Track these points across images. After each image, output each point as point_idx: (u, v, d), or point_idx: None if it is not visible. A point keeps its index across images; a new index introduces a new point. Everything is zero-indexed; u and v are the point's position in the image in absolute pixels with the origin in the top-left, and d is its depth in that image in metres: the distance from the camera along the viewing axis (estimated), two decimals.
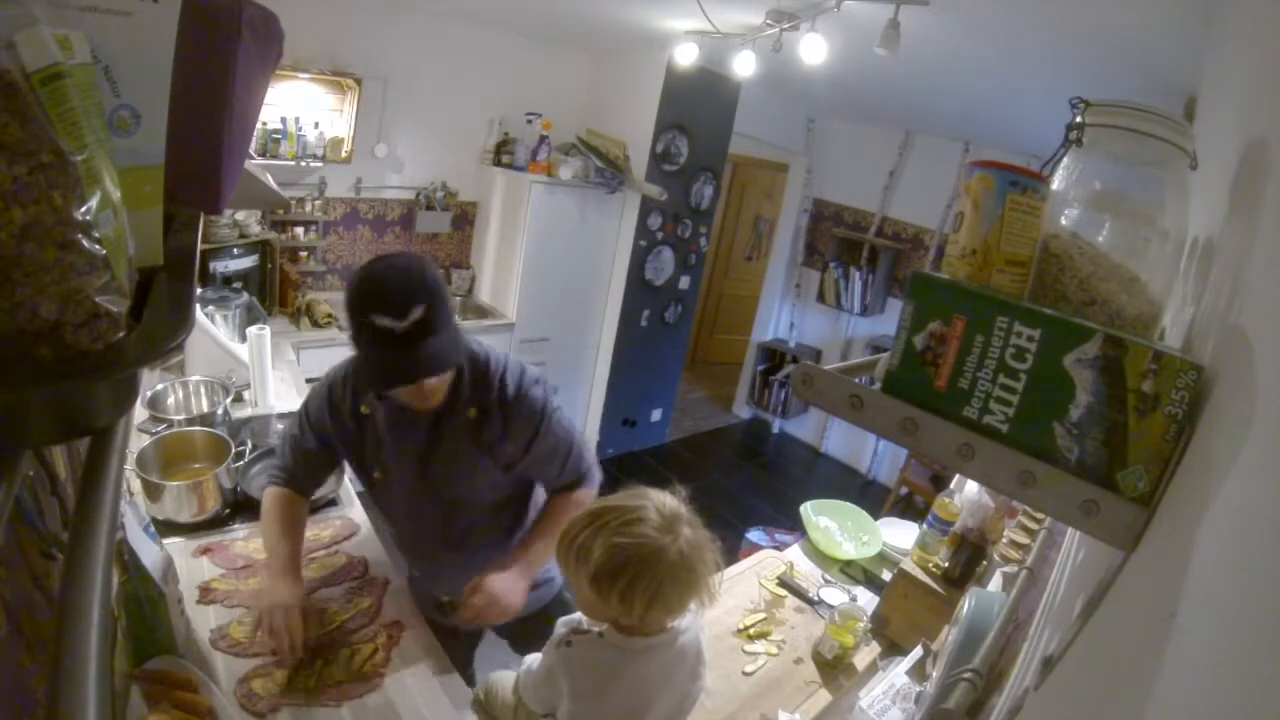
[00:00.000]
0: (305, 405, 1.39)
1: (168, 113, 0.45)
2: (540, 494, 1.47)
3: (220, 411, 1.95)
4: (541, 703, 1.06)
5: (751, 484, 4.50)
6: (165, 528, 1.49)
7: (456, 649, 1.49)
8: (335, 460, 1.42)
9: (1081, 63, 2.08)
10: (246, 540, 1.54)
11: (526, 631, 1.44)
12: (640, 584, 0.91)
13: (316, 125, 3.15)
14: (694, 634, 1.05)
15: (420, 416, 1.26)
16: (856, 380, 0.63)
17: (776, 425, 5.31)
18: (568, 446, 1.36)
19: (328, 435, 1.36)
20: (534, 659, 1.13)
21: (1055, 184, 0.62)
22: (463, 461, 1.30)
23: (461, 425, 1.27)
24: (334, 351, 3.13)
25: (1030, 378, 0.52)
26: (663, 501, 0.98)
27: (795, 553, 2.00)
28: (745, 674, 1.49)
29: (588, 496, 1.39)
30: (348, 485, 1.81)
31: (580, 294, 3.98)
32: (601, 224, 3.87)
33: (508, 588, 1.26)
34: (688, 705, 1.07)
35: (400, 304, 1.05)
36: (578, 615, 1.10)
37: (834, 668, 1.54)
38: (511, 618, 1.27)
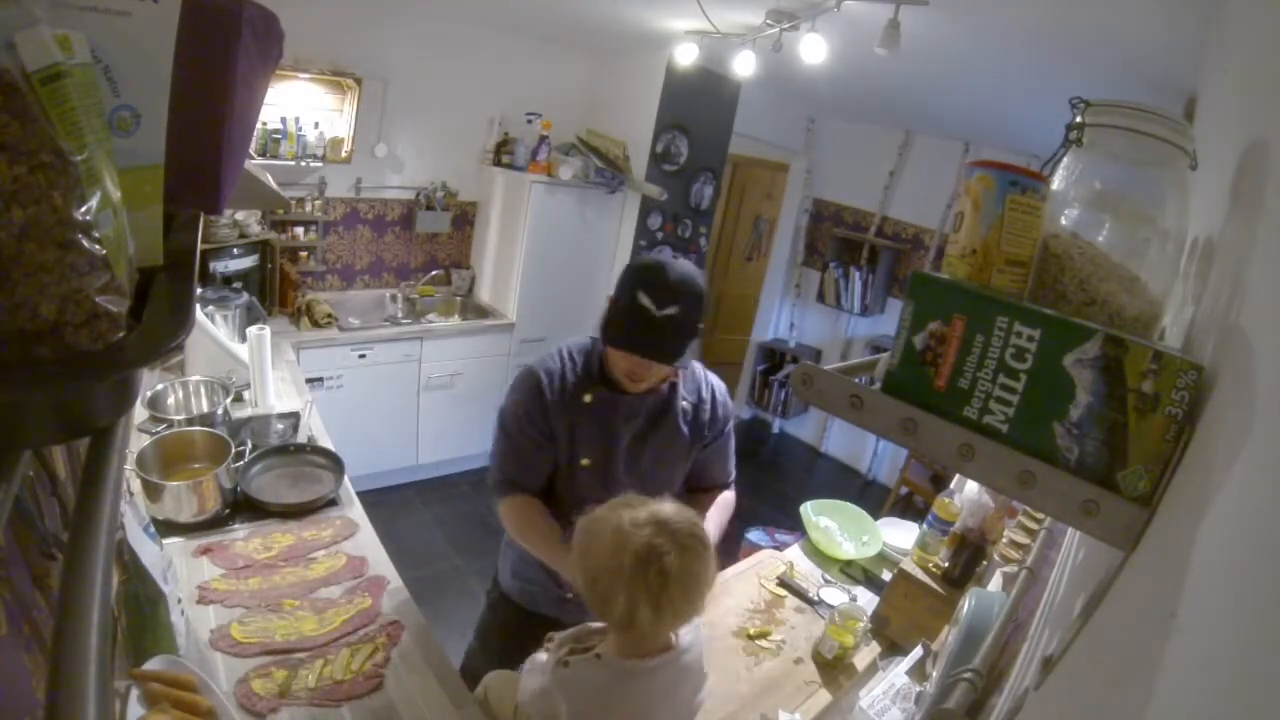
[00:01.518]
0: (512, 412, 1.41)
1: (168, 113, 0.45)
2: None
3: (220, 411, 1.95)
4: (540, 714, 1.06)
5: (751, 484, 4.49)
6: (165, 528, 1.49)
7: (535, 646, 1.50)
8: (552, 455, 1.43)
9: (1081, 63, 2.08)
10: (246, 540, 1.54)
11: None
12: (631, 583, 0.92)
13: (316, 125, 3.15)
14: (696, 651, 1.05)
15: (642, 404, 1.39)
16: (856, 380, 0.63)
17: (776, 425, 5.30)
18: (732, 451, 1.57)
19: (548, 428, 1.39)
20: (535, 663, 1.13)
21: (1055, 184, 0.62)
22: (675, 443, 1.44)
23: (678, 415, 1.42)
24: (334, 351, 3.13)
25: (1030, 378, 0.52)
26: (666, 505, 0.99)
27: (795, 553, 2.00)
28: (746, 674, 1.49)
29: (734, 498, 1.60)
30: (347, 485, 1.81)
31: (580, 294, 3.97)
32: (601, 224, 3.87)
33: None
34: (691, 719, 1.07)
35: (665, 295, 1.25)
36: (582, 627, 1.10)
37: (834, 668, 1.54)
38: None
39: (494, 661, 1.42)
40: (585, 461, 1.40)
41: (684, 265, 1.31)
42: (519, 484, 1.42)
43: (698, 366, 1.49)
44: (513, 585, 1.57)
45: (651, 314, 1.24)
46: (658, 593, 0.92)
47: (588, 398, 1.38)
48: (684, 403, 1.43)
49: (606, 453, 1.39)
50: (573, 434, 1.39)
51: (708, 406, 1.46)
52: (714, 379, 1.51)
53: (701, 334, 1.36)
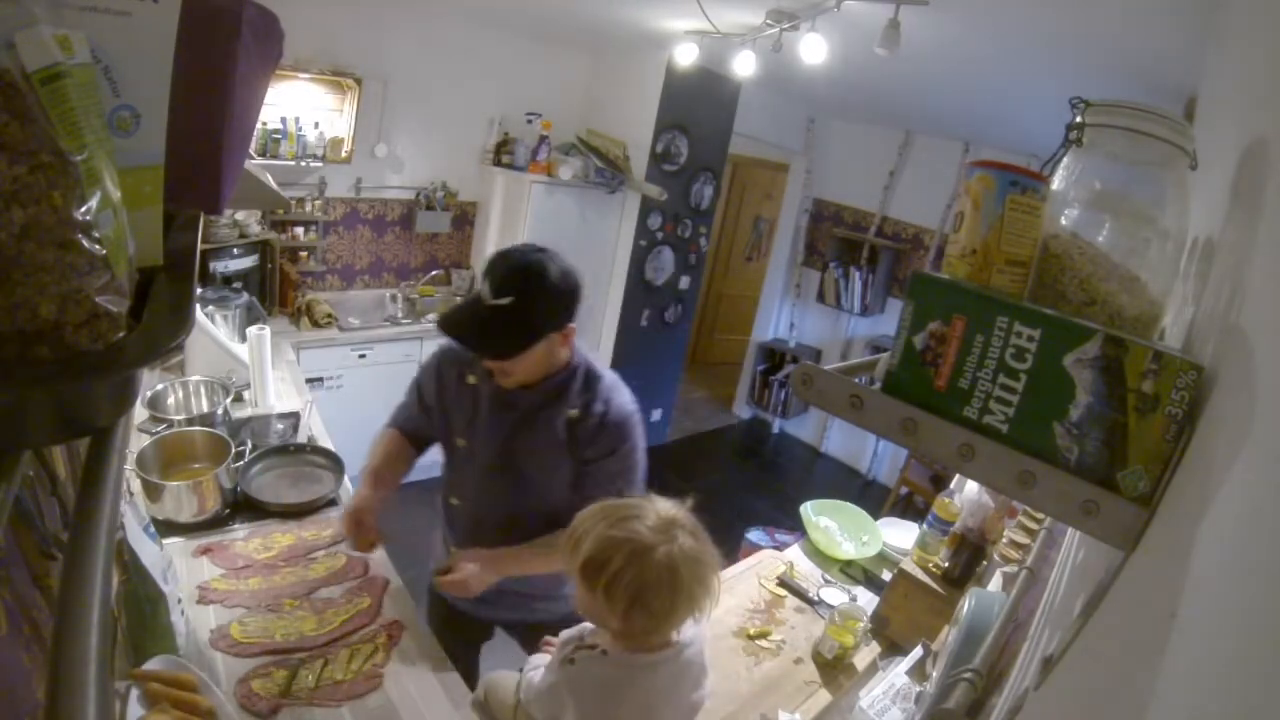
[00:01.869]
0: (415, 379, 1.55)
1: (168, 113, 0.45)
2: None
3: (220, 411, 1.95)
4: (545, 714, 1.06)
5: (751, 484, 4.50)
6: (165, 528, 1.49)
7: (467, 638, 1.51)
8: (426, 422, 1.52)
9: (1081, 63, 2.08)
10: (246, 540, 1.54)
11: (541, 637, 1.46)
12: (623, 579, 0.90)
13: (316, 125, 3.15)
14: (698, 646, 1.05)
15: (523, 397, 1.35)
16: (856, 380, 0.63)
17: (776, 425, 5.30)
18: (623, 486, 1.36)
19: (428, 400, 1.49)
20: (537, 664, 1.13)
21: (1055, 184, 0.62)
22: (547, 448, 1.37)
23: (558, 418, 1.35)
24: (334, 351, 3.13)
25: (1030, 378, 0.52)
26: (665, 507, 0.98)
27: (795, 553, 2.00)
28: (746, 674, 1.49)
29: None
30: (347, 485, 1.81)
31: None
32: (601, 224, 3.87)
33: (473, 571, 1.32)
34: (693, 716, 1.07)
35: (495, 281, 1.20)
36: (582, 628, 1.10)
37: (834, 668, 1.54)
38: (466, 598, 1.34)
39: None
40: (460, 442, 1.43)
41: (533, 257, 1.23)
42: (396, 420, 1.56)
43: (605, 383, 1.39)
44: (432, 580, 1.58)
45: (483, 302, 1.21)
46: (666, 592, 0.91)
47: (471, 379, 1.40)
48: (570, 410, 1.34)
49: (478, 437, 1.40)
50: (451, 413, 1.44)
51: (594, 425, 1.34)
52: (618, 401, 1.37)
53: (560, 335, 1.29)
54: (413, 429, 1.54)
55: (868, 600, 1.77)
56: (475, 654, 1.68)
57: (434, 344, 3.37)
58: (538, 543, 1.38)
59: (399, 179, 3.61)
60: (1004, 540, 1.47)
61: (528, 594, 1.50)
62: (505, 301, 1.19)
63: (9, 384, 0.35)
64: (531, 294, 1.21)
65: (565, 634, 1.11)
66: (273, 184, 1.85)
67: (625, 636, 0.98)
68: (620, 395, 1.40)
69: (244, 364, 2.25)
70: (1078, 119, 0.60)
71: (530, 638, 1.55)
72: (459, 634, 1.46)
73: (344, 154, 3.23)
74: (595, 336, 4.15)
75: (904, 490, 4.14)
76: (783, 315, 5.22)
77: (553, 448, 1.36)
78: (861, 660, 1.57)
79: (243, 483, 1.69)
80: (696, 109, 3.76)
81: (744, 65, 2.62)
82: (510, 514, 1.42)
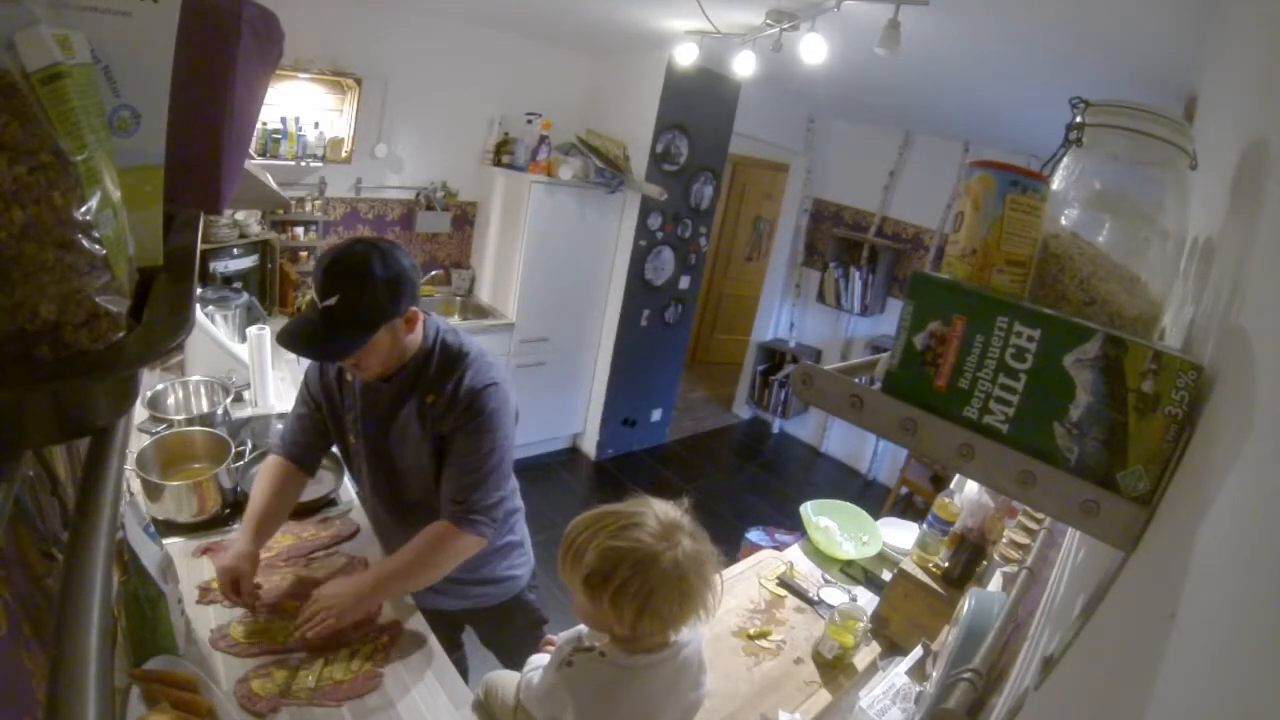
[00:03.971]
0: (301, 385, 1.53)
1: (168, 113, 0.45)
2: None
3: (220, 411, 1.95)
4: (545, 715, 1.06)
5: (751, 484, 4.50)
6: (165, 528, 1.49)
7: (434, 629, 1.50)
8: (315, 424, 1.51)
9: (1081, 63, 2.08)
10: None
11: (489, 622, 1.62)
12: (630, 589, 0.90)
13: (316, 125, 3.15)
14: (695, 645, 1.05)
15: (384, 389, 1.36)
16: (856, 380, 0.63)
17: (776, 425, 5.30)
18: (476, 466, 1.32)
19: (316, 399, 1.48)
20: (538, 664, 1.13)
21: (1055, 184, 0.62)
22: (410, 438, 1.37)
23: (417, 406, 1.35)
24: None
25: (1030, 378, 0.52)
26: (664, 510, 0.97)
27: (795, 553, 2.00)
28: (746, 674, 1.49)
29: (457, 541, 1.32)
30: (347, 485, 1.81)
31: (580, 294, 3.97)
32: (601, 224, 3.87)
33: (335, 594, 1.27)
34: (693, 714, 1.07)
35: (324, 287, 1.19)
36: (579, 629, 1.10)
37: (834, 668, 1.54)
38: (338, 627, 1.25)
39: None
40: (351, 439, 1.46)
41: (357, 250, 1.21)
42: (286, 444, 1.50)
43: (467, 359, 1.35)
44: None
45: (315, 306, 1.21)
46: (667, 594, 0.91)
47: (349, 376, 1.41)
48: (427, 397, 1.33)
49: (359, 434, 1.43)
50: (339, 413, 1.45)
51: (443, 402, 1.32)
52: (473, 374, 1.33)
53: (402, 322, 1.26)
54: (301, 447, 1.48)
55: (868, 600, 1.77)
56: (458, 647, 1.71)
57: None
58: (397, 556, 1.33)
59: (399, 179, 3.61)
60: (1004, 540, 1.47)
61: (461, 580, 1.49)
62: (333, 301, 1.18)
63: (9, 384, 0.35)
64: (356, 287, 1.19)
65: (564, 635, 1.11)
66: (273, 184, 1.85)
67: (628, 640, 0.98)
68: (478, 368, 1.35)
69: (244, 364, 2.25)
70: (1078, 119, 0.61)
71: (480, 624, 1.68)
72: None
73: (344, 154, 3.23)
74: (595, 337, 4.15)
75: (904, 490, 4.14)
76: (783, 315, 5.22)
77: (414, 437, 1.36)
78: (861, 660, 1.57)
79: (243, 483, 1.69)
80: (696, 109, 3.76)
81: (744, 65, 2.62)
82: (402, 506, 1.46)
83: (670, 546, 0.92)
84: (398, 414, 1.37)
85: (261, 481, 1.44)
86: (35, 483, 0.61)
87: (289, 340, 1.21)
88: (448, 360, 1.35)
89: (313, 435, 1.50)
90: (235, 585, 1.28)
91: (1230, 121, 0.71)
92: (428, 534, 1.33)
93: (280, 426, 2.06)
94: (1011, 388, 0.52)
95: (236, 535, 1.39)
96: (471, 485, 1.33)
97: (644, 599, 0.90)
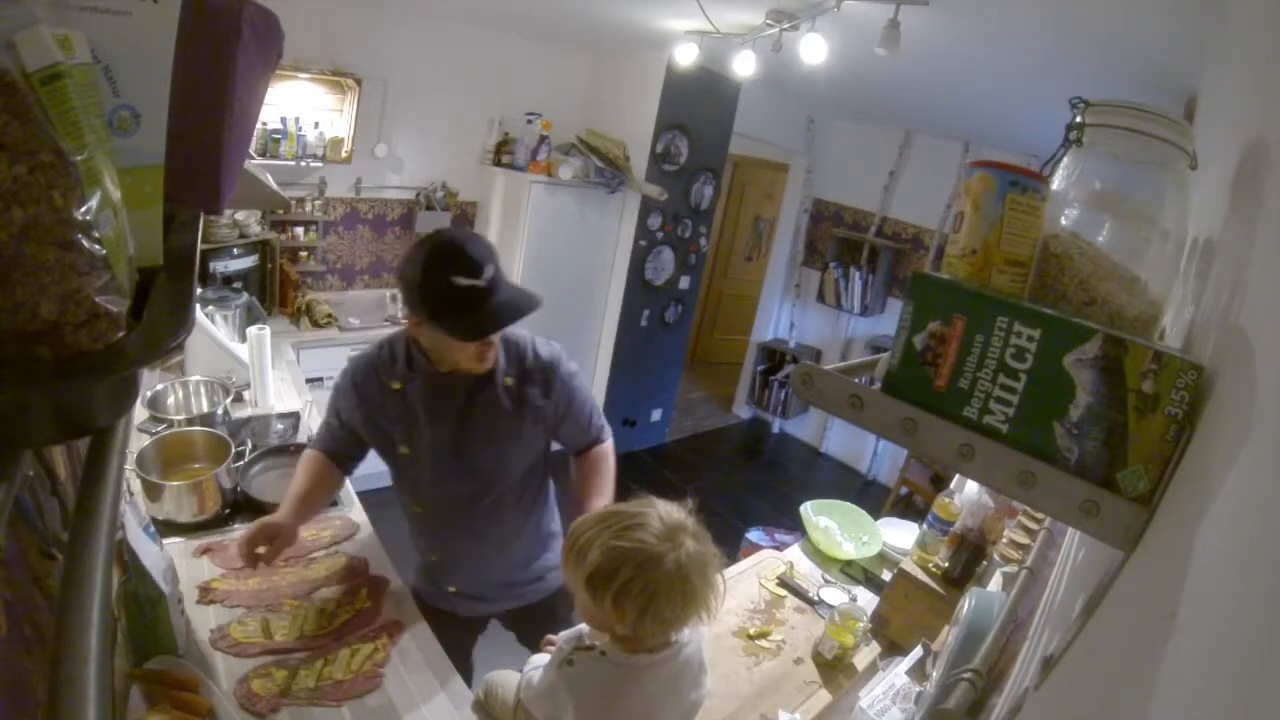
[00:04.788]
0: (331, 400, 1.47)
1: (168, 113, 0.45)
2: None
3: (220, 411, 1.95)
4: (545, 715, 1.06)
5: (751, 484, 4.50)
6: (165, 528, 1.49)
7: (459, 638, 1.51)
8: (348, 439, 1.48)
9: (1081, 63, 2.08)
10: None
11: (531, 620, 1.53)
12: (633, 589, 0.89)
13: (316, 125, 3.15)
14: (696, 645, 1.05)
15: (457, 387, 1.33)
16: (856, 380, 0.63)
17: (776, 425, 5.30)
18: (591, 405, 1.49)
19: (349, 422, 1.44)
20: (538, 664, 1.13)
21: (1055, 184, 0.62)
22: (500, 428, 1.37)
23: (499, 392, 1.36)
24: (334, 351, 3.12)
25: (1030, 378, 0.52)
26: (668, 511, 0.97)
27: (795, 553, 2.00)
28: (746, 674, 1.49)
29: (609, 454, 1.53)
30: (348, 485, 1.81)
31: (580, 294, 3.97)
32: (601, 224, 3.87)
33: None
34: (693, 714, 1.07)
35: (476, 265, 1.19)
36: (580, 629, 1.10)
37: (834, 668, 1.54)
38: None
39: None
40: (403, 450, 1.39)
41: (459, 230, 1.32)
42: (320, 441, 1.50)
43: (523, 336, 1.41)
44: (415, 583, 1.58)
45: (481, 289, 1.19)
46: (668, 594, 0.91)
47: (396, 386, 1.36)
48: (506, 379, 1.36)
49: (422, 438, 1.37)
50: (381, 424, 1.39)
51: (538, 380, 1.38)
52: (542, 346, 1.41)
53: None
54: (337, 449, 1.48)
55: (868, 600, 1.77)
56: (471, 650, 1.69)
57: None
58: (593, 490, 1.45)
59: (399, 179, 3.61)
60: (1004, 540, 1.47)
61: (514, 582, 1.53)
62: (491, 272, 1.20)
63: (9, 384, 0.35)
64: (496, 255, 1.23)
65: (564, 634, 1.11)
66: (273, 184, 1.85)
67: (629, 640, 0.98)
68: (535, 341, 1.42)
69: (244, 364, 2.25)
70: (1078, 119, 0.60)
71: (521, 624, 1.63)
72: (451, 634, 1.45)
73: (344, 154, 3.23)
74: (595, 336, 4.15)
75: (904, 490, 4.14)
76: (783, 315, 5.22)
77: (503, 419, 1.36)
78: (861, 660, 1.57)
79: (243, 483, 1.69)
80: (696, 109, 3.76)
81: (744, 65, 2.62)
82: (480, 504, 1.43)
83: (673, 548, 0.92)
84: (475, 404, 1.35)
85: (303, 468, 1.45)
86: (35, 483, 0.61)
87: (481, 328, 1.22)
88: (508, 342, 1.39)
89: (345, 444, 1.48)
90: (267, 540, 1.30)
91: (1230, 121, 0.71)
92: (595, 463, 1.50)
93: (281, 426, 2.06)
94: (1011, 388, 0.52)
95: (244, 528, 1.37)
96: (592, 415, 1.51)
97: (646, 600, 0.90)
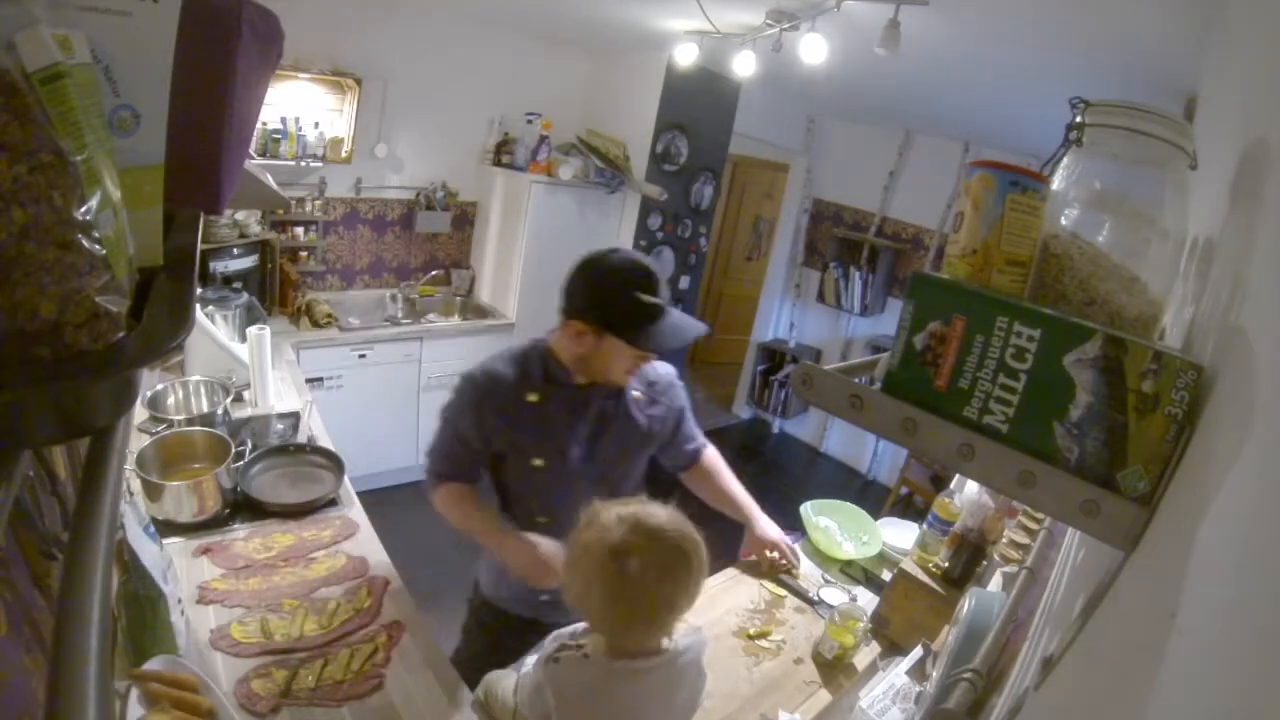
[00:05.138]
0: (449, 416, 1.43)
1: (168, 113, 0.45)
2: None
3: (220, 411, 1.95)
4: (535, 715, 1.06)
5: (751, 484, 4.43)
6: (165, 528, 1.49)
7: (522, 645, 1.52)
8: (483, 458, 1.48)
9: (1081, 63, 2.08)
10: (246, 540, 1.54)
11: None
12: (594, 591, 0.93)
13: (316, 125, 3.15)
14: (695, 654, 1.04)
15: (592, 399, 1.40)
16: (856, 380, 0.63)
17: (776, 425, 5.30)
18: (692, 418, 1.63)
19: (479, 439, 1.41)
20: (530, 662, 1.13)
21: (1055, 184, 0.62)
22: (630, 437, 1.47)
23: (629, 403, 1.45)
24: (334, 351, 3.13)
25: (1030, 378, 0.52)
26: (635, 512, 0.97)
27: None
28: (745, 674, 1.49)
29: (715, 452, 1.71)
30: (348, 485, 1.81)
31: None
32: (601, 224, 3.87)
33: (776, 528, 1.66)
34: None
35: (657, 285, 1.30)
36: (574, 626, 1.10)
37: (834, 668, 1.53)
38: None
39: (477, 663, 1.42)
40: (538, 462, 1.40)
41: (633, 252, 1.37)
42: (452, 474, 1.47)
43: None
44: (491, 589, 1.57)
45: (660, 307, 1.29)
46: (629, 592, 0.92)
47: (533, 398, 1.37)
48: (635, 391, 1.46)
49: (558, 450, 1.39)
50: (516, 437, 1.40)
51: (661, 391, 1.51)
52: (660, 364, 1.53)
53: None
54: (473, 476, 1.48)
55: (868, 600, 1.77)
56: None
57: (434, 344, 3.41)
58: (737, 488, 1.69)
59: (399, 179, 3.61)
60: (1004, 540, 1.47)
61: None
62: (667, 294, 1.32)
63: (9, 384, 0.35)
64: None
65: (557, 632, 1.11)
66: (273, 184, 1.85)
67: (614, 638, 0.98)
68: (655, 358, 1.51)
69: (244, 364, 2.25)
70: (1078, 119, 0.60)
71: None
72: (516, 640, 1.43)
73: (344, 154, 3.23)
74: None
75: (904, 490, 4.14)
76: (783, 315, 5.22)
77: (635, 432, 1.46)
78: (861, 660, 1.57)
79: (243, 483, 1.69)
80: (696, 109, 3.76)
81: (744, 65, 2.62)
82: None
83: (629, 533, 0.93)
84: (618, 413, 1.43)
85: (469, 502, 1.46)
86: (35, 483, 0.61)
87: (660, 343, 1.29)
88: None
89: (475, 469, 1.48)
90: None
91: (1230, 121, 0.71)
92: (717, 465, 1.71)
93: (281, 426, 2.06)
94: (1011, 388, 0.52)
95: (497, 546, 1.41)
96: (694, 421, 1.67)
97: (587, 574, 0.93)
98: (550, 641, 1.07)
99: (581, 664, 0.98)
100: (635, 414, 1.45)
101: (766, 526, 1.71)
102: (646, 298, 1.27)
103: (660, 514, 0.97)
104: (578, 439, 1.40)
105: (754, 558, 1.83)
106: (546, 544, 1.33)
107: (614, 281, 1.28)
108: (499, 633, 1.56)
